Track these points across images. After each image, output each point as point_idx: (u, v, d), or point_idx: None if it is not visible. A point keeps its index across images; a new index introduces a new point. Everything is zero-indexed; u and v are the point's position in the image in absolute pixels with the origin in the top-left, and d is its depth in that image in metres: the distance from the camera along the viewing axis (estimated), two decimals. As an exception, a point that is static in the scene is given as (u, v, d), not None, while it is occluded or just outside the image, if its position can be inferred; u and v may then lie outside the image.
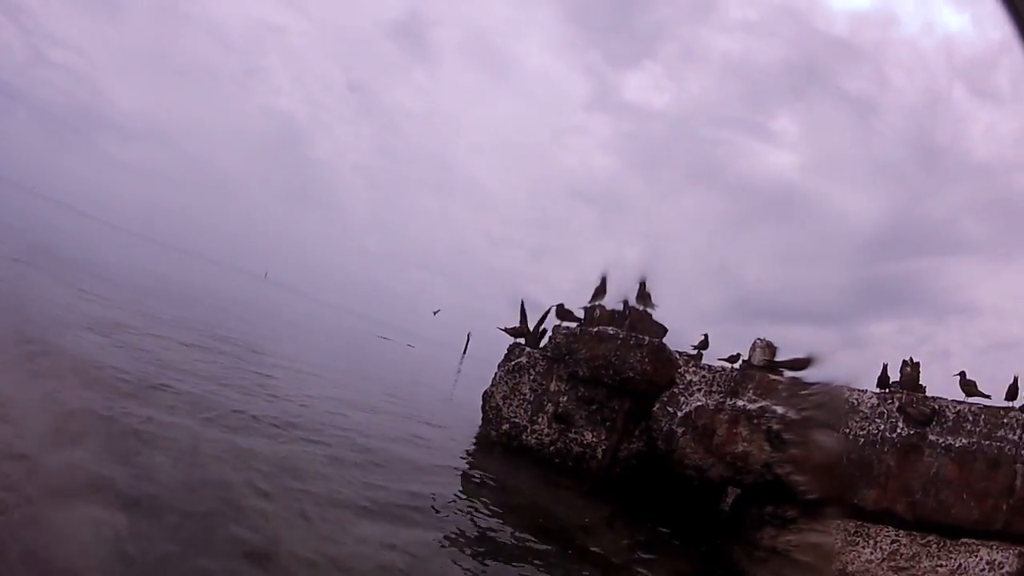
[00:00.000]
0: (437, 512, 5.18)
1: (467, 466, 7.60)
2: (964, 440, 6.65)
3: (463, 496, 6.01)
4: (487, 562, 4.39)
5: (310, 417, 7.02)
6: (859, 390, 7.15)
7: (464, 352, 36.24)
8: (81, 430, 4.20)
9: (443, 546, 4.42)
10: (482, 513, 5.59)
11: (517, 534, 5.14)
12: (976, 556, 6.15)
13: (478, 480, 7.07)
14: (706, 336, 8.98)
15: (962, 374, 7.19)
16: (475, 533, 4.91)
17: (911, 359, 7.18)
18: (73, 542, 3.03)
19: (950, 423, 6.77)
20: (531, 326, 9.12)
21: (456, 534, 4.74)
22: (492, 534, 5.00)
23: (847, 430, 6.96)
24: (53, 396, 4.70)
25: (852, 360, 7.88)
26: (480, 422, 9.03)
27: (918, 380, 7.06)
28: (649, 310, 8.69)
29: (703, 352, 9.00)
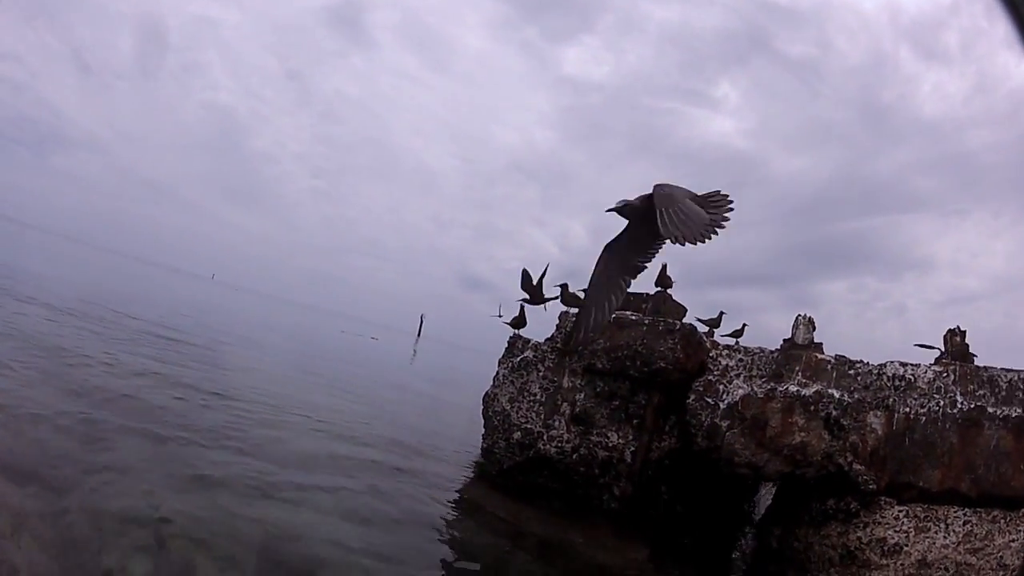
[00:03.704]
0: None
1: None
2: (1019, 409, 6.34)
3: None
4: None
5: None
6: (912, 365, 6.62)
7: (419, 335, 34.29)
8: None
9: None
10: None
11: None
12: (1045, 526, 5.86)
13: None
14: (721, 313, 8.18)
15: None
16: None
17: (958, 328, 6.74)
18: None
19: (1004, 393, 6.43)
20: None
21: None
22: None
23: (906, 409, 6.42)
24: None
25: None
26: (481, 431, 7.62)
27: (968, 349, 6.63)
28: (669, 291, 7.68)
29: (715, 331, 8.24)
